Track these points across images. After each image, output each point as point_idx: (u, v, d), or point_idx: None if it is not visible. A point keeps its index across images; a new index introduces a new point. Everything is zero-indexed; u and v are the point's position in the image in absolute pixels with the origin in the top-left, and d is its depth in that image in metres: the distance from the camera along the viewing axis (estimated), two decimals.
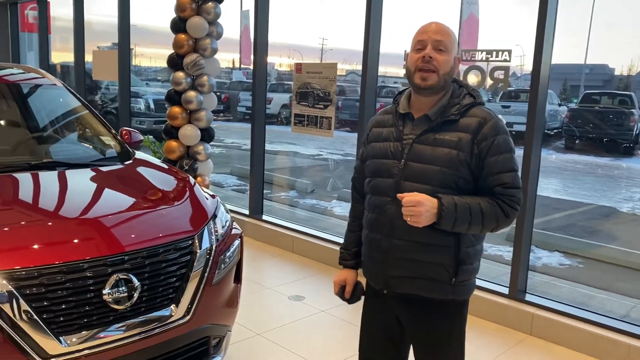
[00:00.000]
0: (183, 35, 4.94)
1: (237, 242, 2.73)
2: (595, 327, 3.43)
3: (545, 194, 8.69)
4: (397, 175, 1.85)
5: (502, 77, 3.81)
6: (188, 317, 2.32)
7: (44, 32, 8.84)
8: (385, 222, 1.87)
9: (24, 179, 2.60)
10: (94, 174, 2.85)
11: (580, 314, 3.54)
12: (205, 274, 2.41)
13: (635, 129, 13.93)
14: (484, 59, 3.90)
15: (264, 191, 5.75)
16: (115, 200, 2.62)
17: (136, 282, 2.15)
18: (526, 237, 3.73)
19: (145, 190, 2.81)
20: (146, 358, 2.24)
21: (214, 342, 2.55)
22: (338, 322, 3.73)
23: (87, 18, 7.80)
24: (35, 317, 1.94)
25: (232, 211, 5.63)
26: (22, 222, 2.25)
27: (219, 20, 5.08)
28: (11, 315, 1.91)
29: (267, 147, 5.66)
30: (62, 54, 10.58)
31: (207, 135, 5.16)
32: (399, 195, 1.76)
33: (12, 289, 1.92)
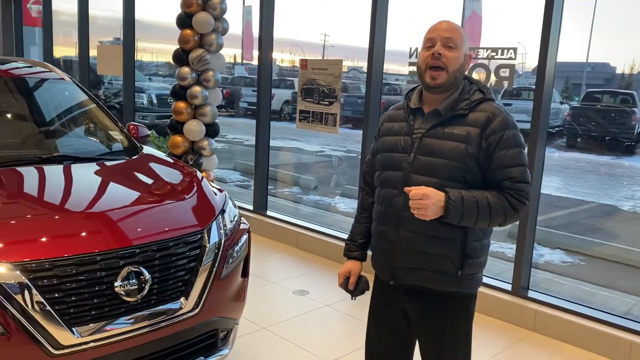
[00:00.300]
0: (189, 31, 4.95)
1: (245, 236, 2.76)
2: (597, 323, 3.46)
3: (547, 192, 8.72)
4: (406, 169, 1.88)
5: (507, 75, 3.83)
6: (197, 310, 2.35)
7: (48, 26, 8.85)
8: (393, 214, 1.90)
9: (32, 173, 2.62)
10: (103, 168, 2.88)
11: (582, 310, 3.58)
12: (214, 268, 2.44)
13: (636, 128, 13.94)
14: (488, 56, 3.93)
15: (268, 187, 5.78)
16: (124, 195, 2.65)
17: (147, 275, 2.18)
18: (529, 235, 3.75)
19: (154, 184, 2.84)
20: (156, 349, 2.27)
21: (222, 334, 2.58)
22: (342, 316, 3.76)
23: (89, 12, 7.81)
24: (49, 308, 1.97)
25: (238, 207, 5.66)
26: (32, 215, 2.27)
27: (224, 16, 5.10)
28: (25, 305, 1.93)
29: (270, 143, 5.68)
30: (63, 49, 10.59)
31: (212, 130, 5.19)
32: (406, 188, 1.79)
33: (26, 280, 1.95)
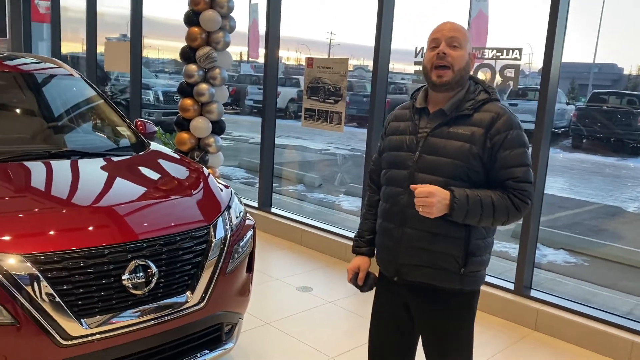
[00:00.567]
0: (196, 29, 4.99)
1: (250, 232, 2.80)
2: (599, 323, 3.48)
3: (551, 193, 8.72)
4: (411, 167, 1.91)
5: (512, 75, 3.85)
6: (202, 304, 2.39)
7: (56, 23, 8.91)
8: (398, 212, 1.93)
9: (40, 168, 2.67)
10: (111, 163, 2.92)
11: (584, 310, 3.60)
12: (220, 263, 2.48)
13: None
14: (494, 57, 3.94)
15: (273, 184, 5.81)
16: (132, 190, 2.69)
17: (154, 269, 2.22)
18: (532, 234, 3.77)
19: (161, 180, 2.88)
20: (162, 342, 2.31)
21: (227, 329, 2.62)
22: (345, 313, 3.80)
23: (97, 9, 7.86)
24: (58, 299, 2.01)
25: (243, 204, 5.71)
26: (41, 209, 2.32)
27: (231, 14, 5.13)
28: (35, 297, 1.98)
29: (276, 141, 5.72)
30: (70, 45, 10.65)
31: (218, 127, 5.23)
32: (411, 186, 1.82)
33: (36, 272, 1.99)
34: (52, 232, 2.14)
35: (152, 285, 2.22)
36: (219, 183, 2.97)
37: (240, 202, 2.94)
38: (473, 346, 2.03)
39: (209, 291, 2.42)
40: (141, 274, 2.19)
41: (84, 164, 2.82)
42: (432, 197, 1.77)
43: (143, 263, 2.20)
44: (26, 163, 2.65)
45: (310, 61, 5.05)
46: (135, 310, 2.19)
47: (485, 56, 4.01)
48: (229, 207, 2.70)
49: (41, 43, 10.14)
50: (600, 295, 4.63)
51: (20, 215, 2.21)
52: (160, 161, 3.13)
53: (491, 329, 3.67)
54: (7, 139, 3.07)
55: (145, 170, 2.97)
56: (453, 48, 1.86)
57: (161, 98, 13.00)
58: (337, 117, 4.88)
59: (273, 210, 5.58)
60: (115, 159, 2.99)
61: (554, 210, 7.54)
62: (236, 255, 2.60)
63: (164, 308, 2.27)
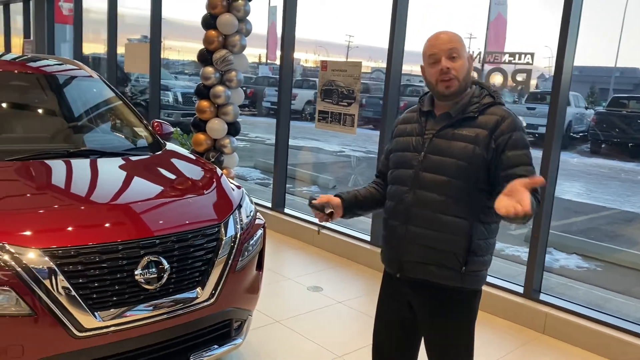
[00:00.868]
0: (213, 32, 5.09)
1: (260, 231, 2.86)
2: (609, 328, 3.48)
3: (567, 197, 8.66)
4: (416, 167, 1.97)
5: (524, 79, 3.87)
6: (212, 300, 2.46)
7: (79, 24, 9.11)
8: (403, 210, 1.99)
9: (60, 166, 2.77)
10: (128, 162, 3.01)
11: (594, 315, 3.59)
12: (230, 260, 2.55)
13: None
14: (507, 61, 3.97)
15: (287, 185, 5.88)
16: (146, 188, 2.78)
17: (166, 265, 2.30)
18: (542, 238, 3.78)
19: (175, 179, 2.96)
20: (173, 336, 2.39)
21: (236, 325, 2.69)
22: (355, 313, 3.85)
23: (118, 10, 8.02)
24: (73, 292, 2.10)
25: (255, 204, 5.78)
26: (59, 206, 2.41)
27: (248, 18, 5.22)
28: (51, 289, 2.06)
29: (291, 142, 5.79)
30: (92, 45, 10.87)
31: (233, 129, 5.32)
32: (522, 202, 1.61)
33: (53, 266, 2.07)
34: (69, 228, 2.23)
35: (163, 280, 2.30)
36: (232, 183, 3.04)
37: (251, 202, 3.01)
38: (474, 345, 2.06)
39: (219, 287, 2.49)
40: (153, 269, 2.27)
41: (101, 163, 2.91)
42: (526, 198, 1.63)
43: (155, 259, 2.28)
44: (47, 161, 2.75)
45: (324, 64, 5.11)
46: (147, 304, 2.27)
47: (500, 60, 4.02)
48: (239, 207, 2.77)
49: (64, 44, 10.37)
50: (613, 301, 4.60)
51: (41, 211, 2.30)
52: (175, 161, 3.21)
53: (499, 331, 3.68)
54: (29, 138, 3.19)
55: (160, 170, 3.06)
56: (453, 59, 1.90)
57: (180, 99, 13.19)
58: (350, 119, 4.93)
59: (286, 210, 5.65)
60: (131, 158, 3.08)
61: (569, 215, 7.49)
62: (246, 253, 2.67)
63: (174, 303, 2.35)
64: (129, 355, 2.29)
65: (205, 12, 5.17)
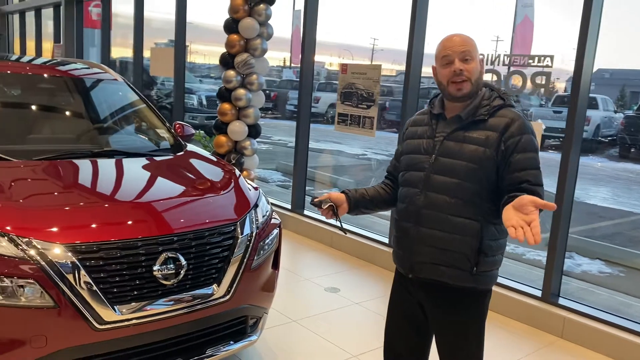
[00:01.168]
0: (235, 36, 5.19)
1: (275, 231, 2.92)
2: (630, 334, 3.43)
3: (592, 202, 8.53)
4: (427, 169, 2.00)
5: (543, 82, 3.85)
6: (228, 297, 2.52)
7: (107, 29, 9.35)
8: (414, 212, 2.02)
9: (87, 165, 2.87)
10: (149, 162, 3.11)
11: (615, 320, 3.54)
12: (245, 258, 2.61)
13: None
14: (525, 63, 3.95)
15: (307, 187, 5.94)
16: (166, 187, 2.86)
17: (183, 261, 2.37)
18: (561, 242, 3.75)
19: (194, 179, 3.04)
20: (189, 331, 2.46)
21: (251, 322, 2.75)
22: (371, 314, 3.87)
23: (146, 15, 8.21)
24: (94, 286, 2.18)
25: (275, 205, 5.86)
26: (86, 203, 2.50)
27: (269, 22, 5.31)
28: (74, 283, 2.15)
29: (313, 145, 5.85)
30: (120, 49, 11.12)
31: (254, 131, 5.41)
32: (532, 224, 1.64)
33: (76, 261, 2.16)
34: (91, 225, 2.32)
35: (180, 276, 2.37)
36: (249, 184, 3.11)
37: (268, 202, 3.07)
38: (483, 345, 2.08)
39: (235, 285, 2.55)
40: (171, 265, 2.34)
41: (124, 163, 3.01)
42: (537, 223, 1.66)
43: (173, 255, 2.35)
44: (74, 161, 2.86)
45: (344, 67, 5.16)
46: (164, 299, 2.35)
47: (525, 63, 3.98)
48: (256, 206, 2.84)
49: (92, 48, 10.64)
50: (635, 307, 4.53)
51: (66, 208, 2.40)
52: (195, 162, 3.30)
53: (516, 335, 3.67)
54: (56, 138, 3.31)
55: (180, 170, 3.15)
56: (466, 62, 1.93)
57: (204, 102, 13.39)
58: (369, 122, 4.97)
59: (305, 212, 5.70)
60: (153, 159, 3.18)
61: (594, 220, 7.38)
62: (262, 252, 2.73)
63: (191, 299, 2.41)
64: (146, 348, 2.36)
65: (227, 16, 5.27)
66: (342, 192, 2.20)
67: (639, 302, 4.62)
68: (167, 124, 3.74)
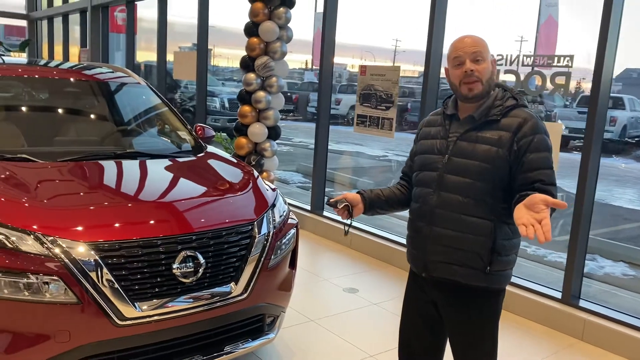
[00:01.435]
0: (255, 39, 5.26)
1: (292, 231, 2.96)
2: None
3: (618, 204, 8.38)
4: (440, 169, 2.02)
5: (563, 82, 3.82)
6: (245, 295, 2.57)
7: (131, 33, 9.53)
8: (427, 211, 2.04)
9: (110, 166, 2.96)
10: (170, 164, 3.18)
11: (636, 322, 3.49)
12: (262, 257, 2.65)
13: None
14: (545, 64, 3.93)
15: (326, 189, 5.97)
16: (186, 188, 2.93)
17: (201, 260, 2.42)
18: (581, 243, 3.72)
19: (213, 180, 3.10)
20: (207, 328, 2.51)
21: (269, 320, 2.79)
22: (389, 315, 3.88)
23: (169, 19, 8.35)
24: (116, 284, 2.25)
25: (294, 206, 5.91)
26: (108, 203, 2.58)
27: (289, 25, 5.36)
28: (96, 280, 2.22)
29: (335, 147, 5.88)
30: (145, 54, 11.32)
31: (273, 133, 5.47)
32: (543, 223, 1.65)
33: (98, 259, 2.23)
34: (113, 224, 2.39)
35: (199, 275, 2.42)
36: (267, 184, 3.16)
37: (285, 203, 3.11)
38: (497, 344, 2.08)
39: (252, 283, 2.60)
40: (190, 264, 2.40)
41: (146, 164, 3.08)
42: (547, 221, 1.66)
43: (192, 254, 2.41)
44: (100, 162, 2.95)
45: (363, 69, 5.18)
46: (183, 297, 2.40)
47: (552, 63, 3.93)
48: (273, 206, 2.88)
49: (117, 53, 10.86)
50: None
51: (91, 207, 2.47)
52: (214, 163, 3.36)
53: (535, 337, 3.64)
54: (81, 141, 3.41)
55: (200, 171, 3.21)
56: (477, 62, 1.94)
57: (227, 105, 13.54)
58: (388, 123, 4.98)
59: (325, 213, 5.74)
60: (175, 160, 3.25)
61: (618, 222, 7.25)
62: (279, 252, 2.77)
63: (209, 297, 2.47)
64: (166, 345, 2.42)
65: (248, 19, 5.35)
66: (358, 192, 2.23)
67: None
68: (188, 127, 3.81)
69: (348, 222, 2.21)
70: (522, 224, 1.67)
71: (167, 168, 3.13)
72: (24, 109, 3.54)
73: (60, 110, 3.61)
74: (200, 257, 2.43)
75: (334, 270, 4.74)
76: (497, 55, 3.98)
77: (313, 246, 5.29)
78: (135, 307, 2.29)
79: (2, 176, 2.59)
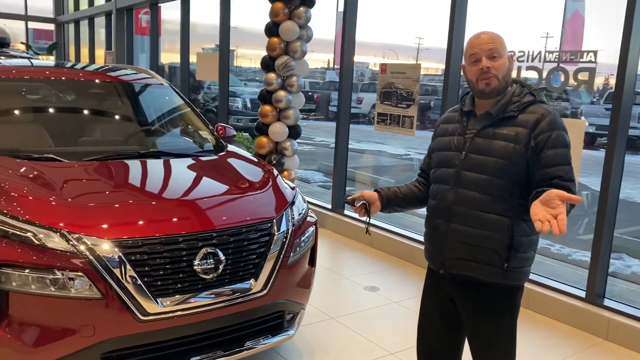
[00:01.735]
0: (276, 39, 5.29)
1: (311, 228, 2.98)
2: None
3: None
4: (457, 166, 2.02)
5: (586, 78, 3.77)
6: (265, 291, 2.60)
7: (155, 35, 9.67)
8: (445, 208, 2.04)
9: (134, 165, 3.02)
10: (192, 163, 3.23)
11: None
12: (282, 255, 2.68)
13: None
14: (567, 59, 3.87)
15: (347, 188, 5.98)
16: (208, 186, 2.98)
17: (222, 256, 2.46)
18: (605, 241, 3.66)
19: (233, 178, 3.14)
20: (227, 324, 2.55)
21: (288, 317, 2.82)
22: (409, 313, 3.88)
23: (193, 21, 8.45)
24: (138, 279, 2.30)
25: (315, 205, 5.93)
26: (131, 201, 2.64)
27: (309, 24, 5.39)
28: (120, 276, 2.27)
29: (356, 146, 5.88)
30: (169, 55, 11.48)
31: (294, 132, 5.50)
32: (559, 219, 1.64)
33: (122, 255, 2.29)
34: (137, 221, 2.44)
35: (219, 271, 2.46)
36: (286, 183, 3.19)
37: (304, 201, 3.14)
38: (516, 341, 2.07)
39: (271, 280, 2.63)
40: (210, 260, 2.44)
41: (170, 163, 3.14)
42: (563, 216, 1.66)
43: (212, 251, 2.45)
44: (125, 161, 3.02)
45: (383, 67, 5.18)
46: (204, 293, 2.45)
47: (582, 59, 3.88)
48: (292, 204, 2.91)
49: (142, 54, 11.04)
50: None
51: (116, 205, 2.53)
52: (235, 162, 3.40)
53: (559, 336, 3.60)
54: (106, 141, 3.49)
55: (220, 170, 3.26)
56: (493, 59, 1.94)
57: (249, 105, 13.64)
58: (408, 121, 4.97)
59: (346, 212, 5.75)
60: (197, 159, 3.30)
61: None
62: (298, 249, 2.79)
63: (230, 293, 2.51)
64: (187, 340, 2.47)
65: (268, 20, 5.39)
66: (375, 190, 2.24)
67: None
68: (210, 127, 3.87)
69: (366, 219, 2.22)
70: (539, 219, 1.66)
71: (189, 167, 3.19)
72: (50, 110, 3.63)
73: (85, 111, 3.70)
74: (220, 253, 2.47)
75: (354, 269, 4.75)
76: (519, 51, 3.94)
77: (334, 245, 5.30)
78: (158, 303, 2.34)
79: (30, 176, 2.66)
